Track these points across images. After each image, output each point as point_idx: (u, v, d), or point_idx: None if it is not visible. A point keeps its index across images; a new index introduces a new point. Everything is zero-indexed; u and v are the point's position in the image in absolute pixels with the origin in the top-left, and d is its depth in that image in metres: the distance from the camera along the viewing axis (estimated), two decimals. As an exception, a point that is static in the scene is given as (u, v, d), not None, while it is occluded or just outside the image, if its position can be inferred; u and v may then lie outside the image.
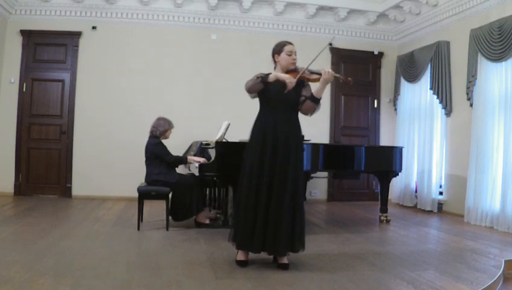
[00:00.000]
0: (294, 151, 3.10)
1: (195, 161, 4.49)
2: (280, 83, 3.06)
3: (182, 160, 4.61)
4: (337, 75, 3.14)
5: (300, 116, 3.26)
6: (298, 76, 3.08)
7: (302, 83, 3.17)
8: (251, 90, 3.10)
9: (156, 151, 4.52)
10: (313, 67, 3.15)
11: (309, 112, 3.20)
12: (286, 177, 3.03)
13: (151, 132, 4.67)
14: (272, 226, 3.00)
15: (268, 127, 3.10)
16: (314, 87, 3.18)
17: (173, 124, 4.74)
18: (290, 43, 3.21)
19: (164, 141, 4.68)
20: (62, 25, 6.48)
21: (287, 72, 3.14)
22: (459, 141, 5.84)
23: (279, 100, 3.13)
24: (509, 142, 4.90)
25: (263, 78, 3.04)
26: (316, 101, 3.12)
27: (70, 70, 6.50)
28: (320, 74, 3.09)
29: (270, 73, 3.10)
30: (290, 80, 3.04)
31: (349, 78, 3.21)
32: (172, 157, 4.55)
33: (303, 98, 3.17)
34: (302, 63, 3.21)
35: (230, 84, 6.61)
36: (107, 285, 2.63)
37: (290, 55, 3.15)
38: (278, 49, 3.20)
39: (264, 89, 3.11)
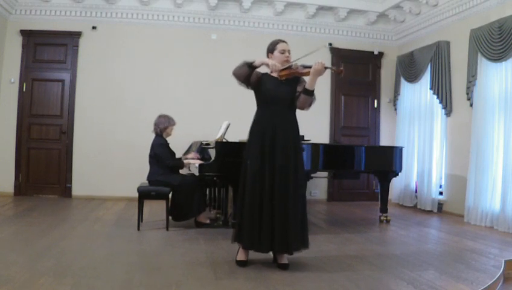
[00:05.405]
0: (293, 149, 3.10)
1: (191, 163, 4.56)
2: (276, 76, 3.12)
3: (180, 164, 4.63)
4: (329, 66, 3.13)
5: (300, 115, 3.25)
6: (291, 73, 3.10)
7: (297, 79, 3.17)
8: (237, 73, 3.11)
9: (158, 152, 4.53)
10: (306, 63, 3.15)
11: (305, 105, 3.16)
12: (287, 176, 3.03)
13: (154, 130, 4.69)
14: (279, 224, 2.99)
15: (267, 126, 3.10)
16: (307, 80, 3.17)
17: (174, 120, 4.74)
18: (283, 41, 3.22)
19: (167, 139, 4.71)
20: (62, 25, 6.48)
21: (281, 70, 3.14)
22: (459, 141, 5.84)
23: (273, 98, 3.13)
24: (509, 142, 4.90)
25: (248, 63, 3.08)
26: (309, 93, 3.08)
27: (70, 70, 6.50)
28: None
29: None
30: (274, 64, 3.07)
31: (341, 68, 3.21)
32: (171, 162, 4.57)
33: (298, 93, 3.16)
34: (300, 62, 3.21)
35: (230, 84, 6.59)
36: (107, 285, 2.63)
37: (283, 53, 3.16)
38: (271, 48, 3.22)
39: (259, 87, 3.15)
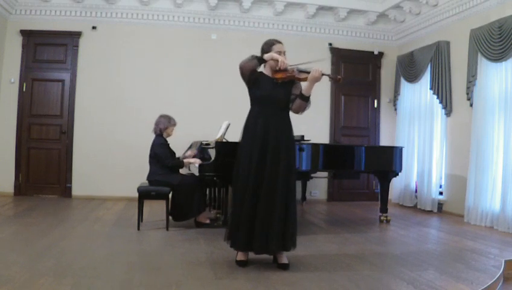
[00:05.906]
0: (285, 150, 3.08)
1: (191, 162, 4.57)
2: (273, 76, 3.14)
3: (179, 164, 4.65)
4: (327, 73, 3.13)
5: (300, 115, 3.25)
6: (287, 76, 3.09)
7: (292, 81, 3.17)
8: (245, 66, 3.07)
9: (158, 152, 4.53)
10: (303, 67, 3.15)
11: (299, 110, 3.17)
12: (276, 177, 3.01)
13: (154, 130, 4.69)
14: (260, 225, 2.98)
15: (258, 126, 3.09)
16: (304, 85, 3.17)
17: (175, 121, 4.74)
18: (279, 42, 3.19)
19: (167, 139, 4.71)
20: (62, 25, 6.48)
21: (276, 71, 3.13)
22: (459, 141, 5.84)
23: (269, 98, 3.12)
24: (509, 142, 4.90)
25: (258, 56, 3.08)
26: (305, 98, 3.10)
27: (70, 70, 6.50)
28: (309, 73, 3.09)
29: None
30: (282, 60, 3.05)
31: (339, 76, 3.22)
32: (171, 162, 4.58)
33: (293, 96, 3.16)
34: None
35: (230, 84, 6.60)
36: (107, 285, 2.63)
37: (278, 54, 3.14)
38: (266, 48, 3.18)
39: (255, 85, 3.14)
